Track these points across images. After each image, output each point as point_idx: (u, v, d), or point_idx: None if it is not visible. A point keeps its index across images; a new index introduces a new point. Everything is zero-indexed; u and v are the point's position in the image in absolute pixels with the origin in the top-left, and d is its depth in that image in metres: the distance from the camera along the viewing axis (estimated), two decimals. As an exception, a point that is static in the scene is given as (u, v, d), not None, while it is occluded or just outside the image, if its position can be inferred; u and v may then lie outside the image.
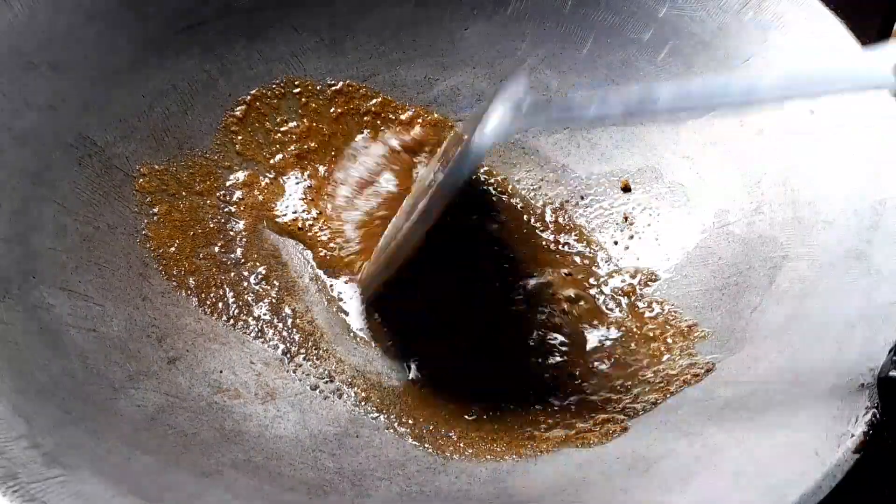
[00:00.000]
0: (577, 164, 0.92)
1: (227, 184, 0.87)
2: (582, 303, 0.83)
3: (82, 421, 0.62)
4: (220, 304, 0.80)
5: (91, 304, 0.73)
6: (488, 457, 0.71)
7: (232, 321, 0.80)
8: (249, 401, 0.74)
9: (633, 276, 0.84)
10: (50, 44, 0.78)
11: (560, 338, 0.81)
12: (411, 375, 0.78)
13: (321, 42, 0.94)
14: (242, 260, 0.84)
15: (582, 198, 0.90)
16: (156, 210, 0.82)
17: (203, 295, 0.80)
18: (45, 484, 0.55)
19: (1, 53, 0.75)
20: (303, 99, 0.93)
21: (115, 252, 0.78)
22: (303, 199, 0.88)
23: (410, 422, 0.74)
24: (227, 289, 0.81)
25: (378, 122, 0.93)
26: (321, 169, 0.90)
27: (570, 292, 0.84)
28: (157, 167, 0.84)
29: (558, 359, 0.79)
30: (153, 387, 0.70)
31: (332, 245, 0.85)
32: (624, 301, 0.83)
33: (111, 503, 0.56)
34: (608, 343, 0.80)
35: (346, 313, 0.82)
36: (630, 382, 0.76)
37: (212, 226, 0.84)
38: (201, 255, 0.83)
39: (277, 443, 0.71)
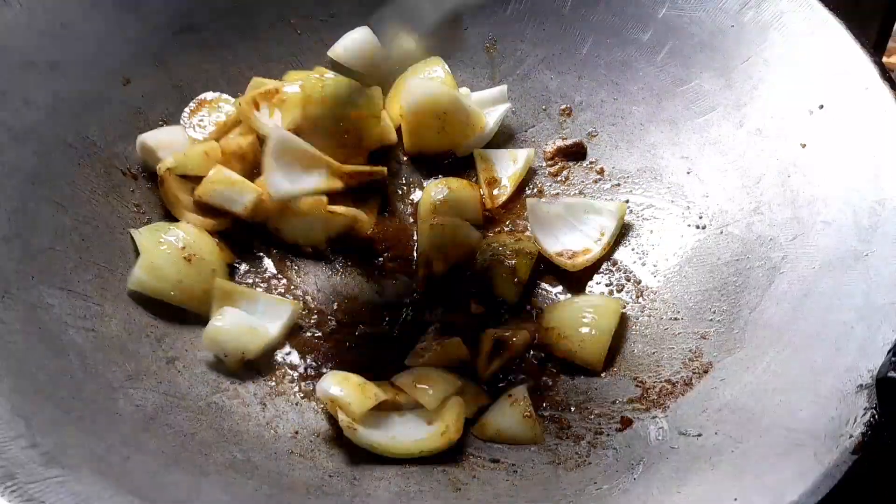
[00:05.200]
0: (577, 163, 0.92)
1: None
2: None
3: (81, 420, 0.63)
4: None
5: (90, 303, 0.73)
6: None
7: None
8: (248, 401, 0.74)
9: (632, 277, 0.84)
10: (49, 43, 0.78)
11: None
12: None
13: (321, 42, 0.94)
14: (244, 258, 0.84)
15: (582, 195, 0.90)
16: (156, 210, 0.82)
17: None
18: (43, 484, 0.55)
19: (0, 52, 0.75)
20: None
21: (114, 252, 0.78)
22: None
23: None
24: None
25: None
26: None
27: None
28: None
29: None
30: (152, 386, 0.70)
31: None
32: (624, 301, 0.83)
33: (110, 503, 0.56)
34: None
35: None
36: (629, 382, 0.76)
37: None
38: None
39: (276, 442, 0.71)
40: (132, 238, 0.78)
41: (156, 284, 0.76)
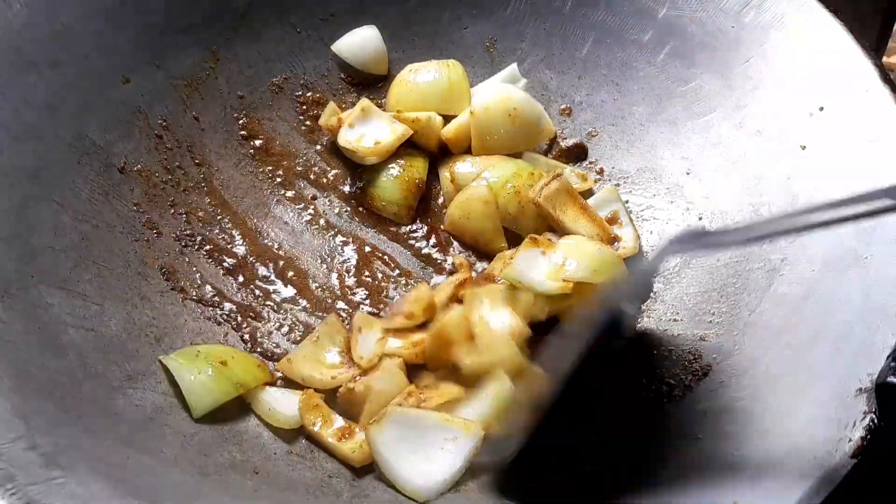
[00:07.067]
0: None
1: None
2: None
3: (81, 421, 0.63)
4: (220, 304, 0.80)
5: (89, 303, 0.73)
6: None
7: (233, 320, 0.80)
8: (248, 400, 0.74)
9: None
10: (49, 43, 0.78)
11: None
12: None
13: (320, 41, 0.94)
14: (244, 258, 0.84)
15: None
16: (154, 209, 0.82)
17: (202, 294, 0.80)
18: (43, 485, 0.55)
19: (0, 52, 0.75)
20: (302, 98, 0.93)
21: (114, 251, 0.78)
22: (301, 208, 0.89)
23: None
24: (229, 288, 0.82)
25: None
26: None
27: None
28: (156, 166, 0.84)
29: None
30: (151, 386, 0.70)
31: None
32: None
33: (109, 504, 0.56)
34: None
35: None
36: (629, 384, 0.76)
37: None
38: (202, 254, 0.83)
39: (276, 442, 0.71)
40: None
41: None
